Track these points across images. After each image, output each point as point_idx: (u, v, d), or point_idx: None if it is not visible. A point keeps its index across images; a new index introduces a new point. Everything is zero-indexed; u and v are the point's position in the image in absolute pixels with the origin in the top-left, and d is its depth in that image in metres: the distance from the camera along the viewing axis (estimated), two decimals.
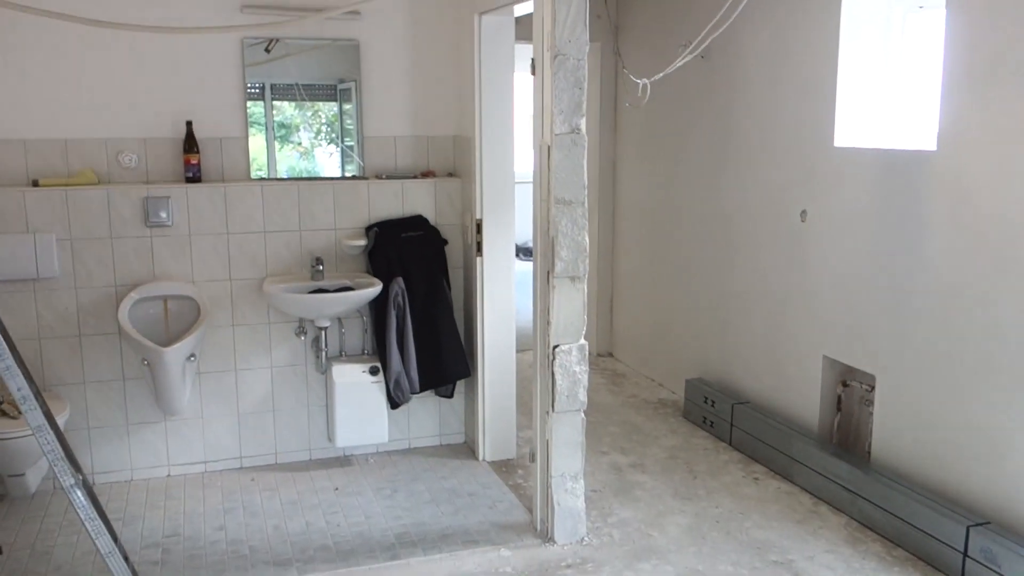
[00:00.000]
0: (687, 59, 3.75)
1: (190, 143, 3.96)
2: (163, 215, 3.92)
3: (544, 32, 3.26)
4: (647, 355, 5.70)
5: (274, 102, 4.22)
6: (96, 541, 2.79)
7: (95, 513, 2.81)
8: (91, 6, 3.63)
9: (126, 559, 2.86)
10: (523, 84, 3.81)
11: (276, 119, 4.23)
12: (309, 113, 4.32)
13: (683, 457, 4.34)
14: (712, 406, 4.63)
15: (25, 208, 3.76)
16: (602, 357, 6.07)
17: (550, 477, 3.45)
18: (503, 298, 4.18)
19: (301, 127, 4.33)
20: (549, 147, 3.28)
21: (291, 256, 4.13)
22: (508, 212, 4.14)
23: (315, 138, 4.36)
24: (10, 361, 2.69)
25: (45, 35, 3.73)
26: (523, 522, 3.67)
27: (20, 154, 3.81)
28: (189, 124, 3.95)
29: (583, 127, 3.30)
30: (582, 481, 3.49)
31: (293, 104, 4.29)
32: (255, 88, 4.13)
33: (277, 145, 4.26)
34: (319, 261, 4.08)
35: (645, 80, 3.86)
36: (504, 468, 4.21)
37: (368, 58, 4.20)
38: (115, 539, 2.85)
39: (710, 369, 4.94)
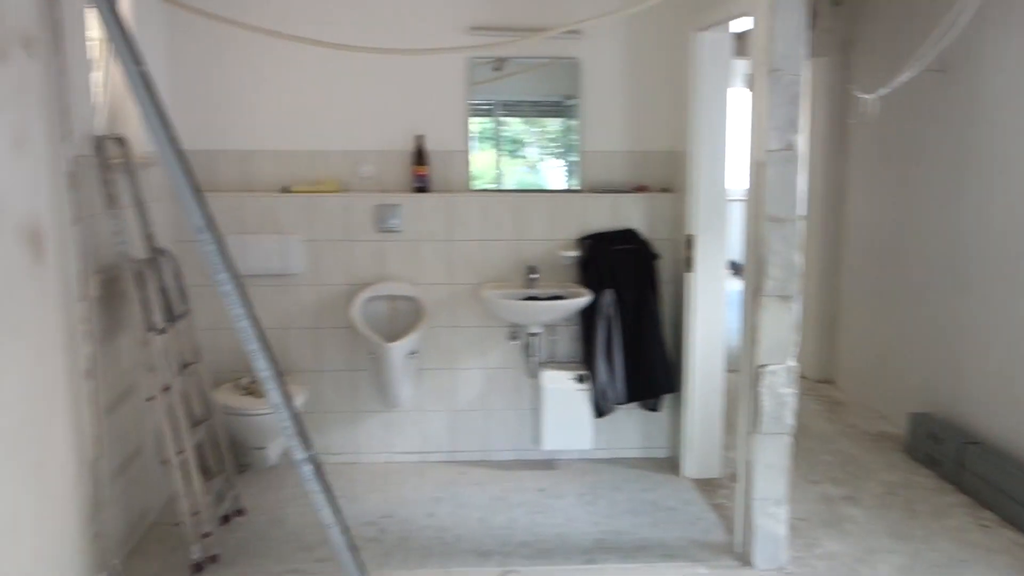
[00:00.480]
0: (916, 73, 3.56)
1: (419, 156, 4.26)
2: (394, 221, 4.25)
3: (760, 48, 3.24)
4: (869, 384, 5.40)
5: (503, 118, 4.44)
6: (319, 512, 3.08)
7: (321, 487, 3.10)
8: (337, 33, 4.02)
9: (344, 531, 3.12)
10: (739, 99, 3.78)
11: (505, 134, 4.45)
12: (536, 128, 4.51)
13: (902, 495, 4.09)
14: (939, 444, 4.32)
15: (277, 211, 4.21)
16: (821, 383, 5.82)
17: (751, 499, 3.38)
18: (713, 314, 4.15)
19: (528, 142, 4.52)
20: (762, 163, 3.24)
21: (507, 264, 4.33)
22: (721, 228, 4.11)
23: (541, 152, 4.54)
24: (257, 345, 3.04)
25: (297, 59, 4.16)
26: (722, 543, 3.62)
27: (274, 164, 4.27)
28: (419, 138, 4.26)
29: (798, 144, 3.23)
30: (785, 506, 3.40)
31: (521, 120, 4.49)
32: (487, 105, 4.37)
33: (506, 159, 4.47)
34: (533, 270, 4.25)
35: (871, 95, 3.71)
36: (707, 486, 4.17)
37: (588, 75, 4.32)
38: (336, 512, 3.13)
39: (938, 403, 4.61)
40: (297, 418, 3.12)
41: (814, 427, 4.95)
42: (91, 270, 3.08)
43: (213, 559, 3.35)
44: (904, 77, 3.55)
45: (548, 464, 4.43)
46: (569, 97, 4.38)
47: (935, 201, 4.63)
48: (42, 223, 2.75)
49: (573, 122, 4.40)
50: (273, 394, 3.05)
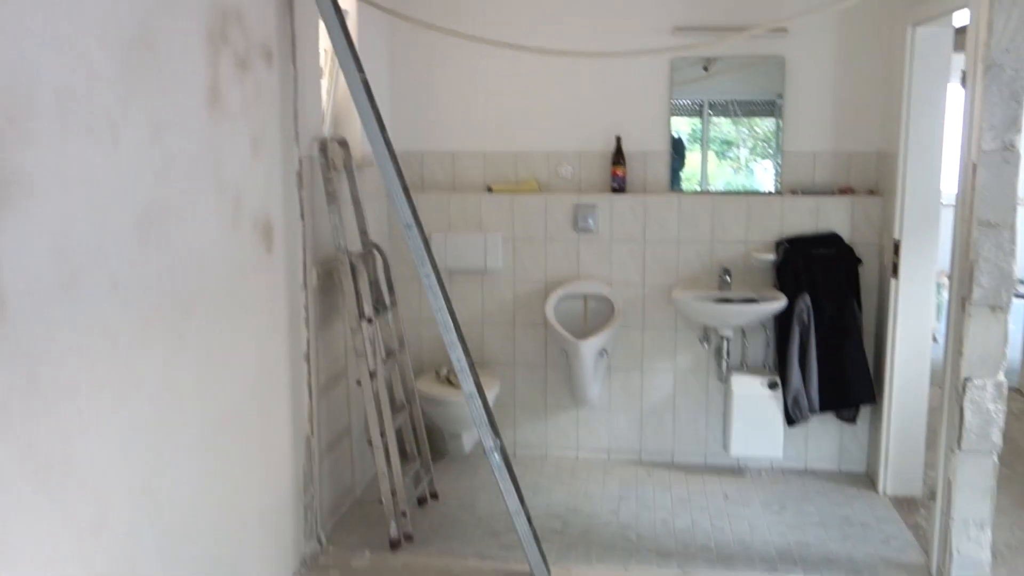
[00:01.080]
0: None
1: (618, 156, 4.34)
2: (590, 221, 4.35)
3: (979, 42, 3.06)
4: None
5: (712, 118, 4.43)
6: (506, 499, 3.24)
7: (508, 475, 3.26)
8: (541, 38, 4.17)
9: (529, 521, 3.26)
10: (957, 98, 3.58)
11: (712, 134, 4.44)
12: (745, 129, 4.47)
13: None
14: None
15: (480, 210, 4.42)
16: None
17: (950, 520, 3.21)
18: (918, 324, 3.95)
19: (734, 141, 4.48)
20: (975, 164, 3.07)
21: (701, 265, 4.32)
22: (931, 234, 3.90)
23: (751, 153, 4.49)
24: (454, 336, 3.24)
25: (502, 65, 4.35)
26: (917, 564, 3.46)
27: (480, 164, 4.49)
28: (618, 139, 4.33)
29: (1018, 143, 3.03)
30: (989, 531, 3.20)
31: (727, 119, 4.47)
32: (695, 104, 4.38)
33: (715, 160, 4.47)
34: (727, 272, 4.21)
35: None
36: (905, 505, 3.98)
37: (792, 74, 4.23)
38: (522, 501, 3.27)
39: None
40: (488, 408, 3.30)
41: None
42: (312, 262, 3.40)
43: (408, 537, 3.58)
44: None
45: (736, 471, 4.38)
46: (776, 96, 4.29)
47: None
48: (273, 217, 3.07)
49: (779, 121, 4.31)
50: (467, 383, 3.24)
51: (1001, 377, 3.12)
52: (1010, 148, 3.04)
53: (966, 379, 3.13)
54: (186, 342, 2.48)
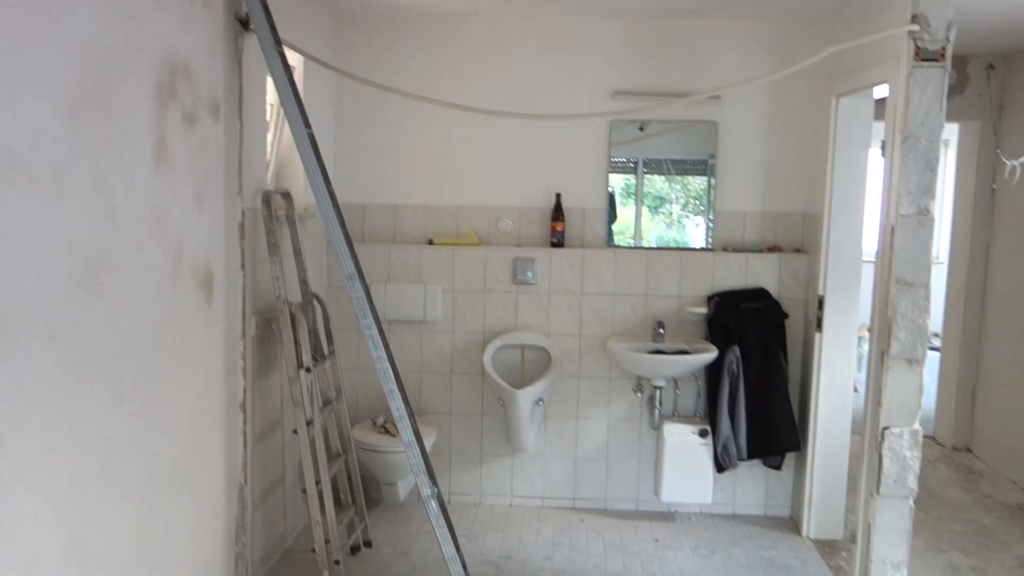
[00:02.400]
0: None
1: (557, 212, 4.46)
2: (529, 274, 4.44)
3: (896, 114, 3.27)
4: (1011, 454, 5.17)
5: (646, 175, 4.59)
6: (442, 547, 3.26)
7: (444, 523, 3.29)
8: (485, 98, 4.30)
9: (464, 567, 3.29)
10: (877, 164, 3.79)
11: (647, 190, 4.59)
12: (678, 186, 4.63)
13: None
14: None
15: (421, 262, 4.48)
16: (958, 451, 5.60)
17: (870, 562, 3.35)
18: (841, 375, 4.12)
19: (668, 199, 4.64)
20: (893, 227, 3.26)
21: (636, 318, 4.45)
22: (853, 290, 4.10)
23: (683, 209, 4.65)
24: (394, 386, 3.27)
25: (445, 122, 4.45)
26: None
27: (421, 218, 4.56)
28: (558, 196, 4.46)
29: (932, 209, 3.24)
30: (905, 571, 3.34)
31: (663, 178, 4.63)
32: (631, 162, 4.54)
33: (648, 215, 4.62)
34: (661, 324, 4.34)
35: (1016, 162, 3.65)
36: (828, 548, 4.11)
37: (725, 137, 4.43)
38: (457, 548, 3.30)
39: None
40: (426, 457, 3.33)
41: (947, 495, 4.78)
42: (252, 311, 3.41)
43: None
44: None
45: (667, 516, 4.48)
46: (709, 156, 4.48)
47: None
48: (215, 268, 3.08)
49: (712, 180, 4.49)
50: (405, 432, 3.27)
51: (917, 426, 3.29)
52: (925, 213, 3.24)
53: (884, 428, 3.29)
54: (123, 392, 2.47)
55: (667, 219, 4.66)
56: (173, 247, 2.77)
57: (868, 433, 3.41)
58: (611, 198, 4.54)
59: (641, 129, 4.50)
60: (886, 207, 3.34)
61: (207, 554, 3.13)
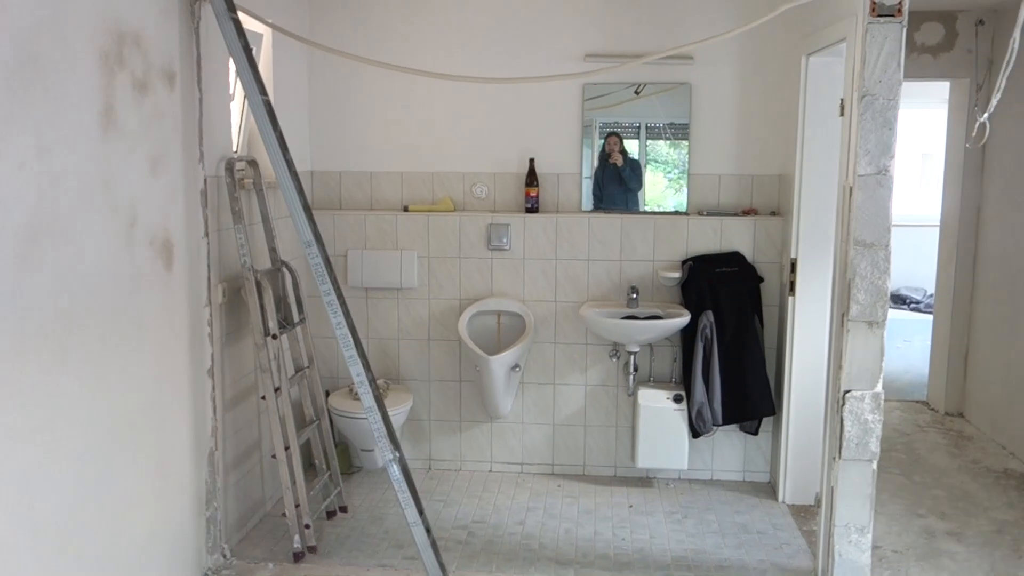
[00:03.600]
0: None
1: (531, 178, 4.46)
2: (504, 240, 4.45)
3: (854, 72, 3.23)
4: (1001, 418, 5.13)
5: (625, 140, 4.54)
6: (404, 510, 3.31)
7: (407, 487, 3.33)
8: (457, 64, 4.29)
9: (428, 530, 3.34)
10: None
11: (622, 155, 4.55)
12: (650, 151, 4.58)
13: (1013, 534, 3.90)
14: None
15: (396, 229, 4.51)
16: (950, 416, 5.57)
17: (833, 526, 3.35)
18: (814, 339, 4.10)
19: (643, 163, 4.59)
20: (851, 188, 3.23)
21: (610, 283, 4.45)
22: (825, 252, 4.07)
23: (654, 174, 4.60)
24: (353, 351, 3.31)
25: (419, 89, 4.45)
26: (805, 568, 3.60)
27: (397, 184, 4.58)
28: (532, 161, 4.46)
29: (891, 169, 3.20)
30: (869, 535, 3.34)
31: (636, 142, 4.58)
32: (603, 127, 4.49)
33: (616, 182, 4.58)
34: (634, 290, 4.34)
35: (984, 118, 3.59)
36: (802, 513, 4.12)
37: (699, 100, 4.39)
38: (421, 512, 3.35)
39: None
40: (388, 422, 3.37)
41: (933, 460, 4.77)
42: (217, 279, 3.45)
43: (312, 549, 3.63)
44: (995, 99, 3.41)
45: (645, 482, 4.50)
46: (683, 121, 4.43)
47: None
48: (174, 236, 3.12)
49: (686, 144, 4.45)
50: (366, 398, 3.32)
51: (879, 388, 3.27)
52: (884, 172, 3.20)
53: (846, 391, 3.27)
54: (69, 356, 2.52)
55: (638, 183, 4.60)
56: (125, 214, 2.81)
57: (830, 397, 3.41)
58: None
59: (637, 92, 4.42)
60: (844, 168, 3.31)
61: (175, 516, 3.20)
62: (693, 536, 3.88)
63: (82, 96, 2.57)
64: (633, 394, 4.43)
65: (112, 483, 2.77)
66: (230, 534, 3.65)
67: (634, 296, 4.34)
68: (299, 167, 3.55)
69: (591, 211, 4.50)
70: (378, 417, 3.31)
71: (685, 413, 4.28)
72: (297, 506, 3.60)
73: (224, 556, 3.54)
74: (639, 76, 4.38)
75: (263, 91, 3.29)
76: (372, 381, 3.33)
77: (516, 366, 4.41)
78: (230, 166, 3.52)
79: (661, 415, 4.30)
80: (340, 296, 3.31)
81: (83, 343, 2.59)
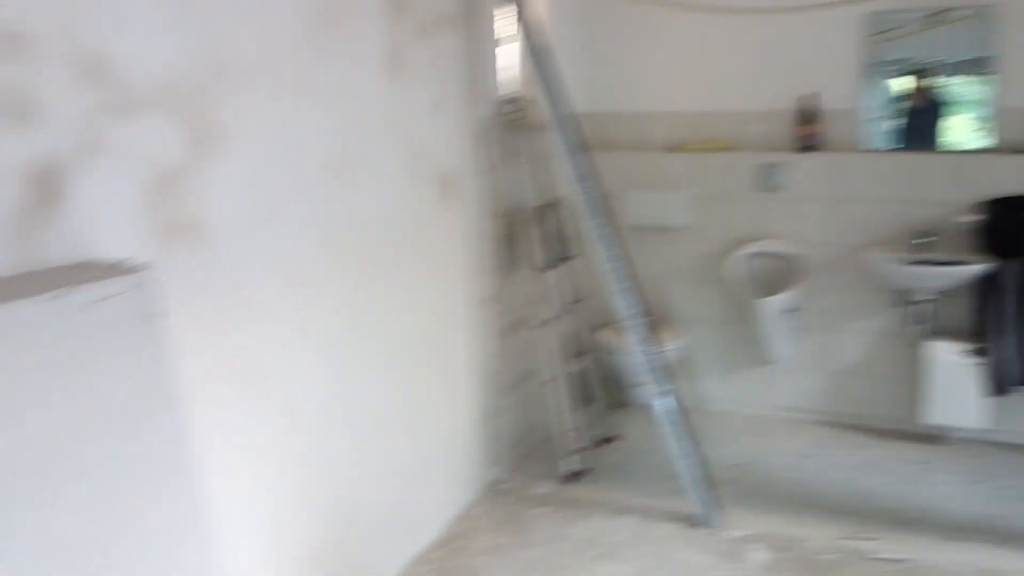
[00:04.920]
0: None
1: (806, 115, 4.22)
2: (778, 180, 4.28)
3: None
4: None
5: (913, 75, 4.18)
6: (670, 444, 3.33)
7: (679, 419, 3.35)
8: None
9: (699, 466, 3.33)
10: None
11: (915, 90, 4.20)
12: (948, 86, 4.18)
13: None
14: None
15: (666, 169, 4.47)
16: None
17: None
18: None
19: (940, 100, 4.21)
20: None
21: (897, 226, 4.12)
22: None
23: (953, 110, 4.20)
24: (623, 285, 3.36)
25: (689, 26, 4.35)
26: None
27: (664, 124, 4.54)
28: (806, 97, 4.21)
29: None
30: None
31: (931, 77, 4.20)
32: (894, 62, 4.16)
33: (912, 117, 4.24)
34: (926, 233, 4.01)
35: None
36: None
37: (1010, 23, 3.91)
38: (694, 447, 3.35)
39: None
40: (658, 357, 3.40)
41: None
42: (493, 214, 3.64)
43: (583, 474, 3.77)
44: None
45: (933, 438, 4.17)
46: (986, 54, 3.98)
47: None
48: (453, 172, 3.33)
49: (992, 77, 3.99)
50: (635, 332, 3.36)
51: None
52: None
53: None
54: (367, 276, 2.81)
55: (936, 120, 4.21)
56: (409, 150, 3.03)
57: None
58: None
59: (932, 22, 4.01)
60: None
61: (461, 427, 3.49)
62: (988, 501, 3.55)
63: (371, 40, 2.79)
64: (922, 345, 4.11)
65: (407, 391, 3.08)
66: (510, 450, 3.88)
67: (926, 240, 4.00)
68: (571, 108, 3.63)
69: (877, 151, 4.19)
70: (648, 351, 3.34)
71: (981, 368, 3.91)
72: (568, 432, 3.74)
73: (503, 471, 3.78)
74: (930, 3, 3.98)
75: (537, 34, 3.38)
76: (644, 316, 3.37)
77: (792, 310, 4.24)
78: (506, 106, 3.66)
79: (954, 369, 3.95)
80: (612, 231, 3.36)
81: (378, 265, 2.88)
